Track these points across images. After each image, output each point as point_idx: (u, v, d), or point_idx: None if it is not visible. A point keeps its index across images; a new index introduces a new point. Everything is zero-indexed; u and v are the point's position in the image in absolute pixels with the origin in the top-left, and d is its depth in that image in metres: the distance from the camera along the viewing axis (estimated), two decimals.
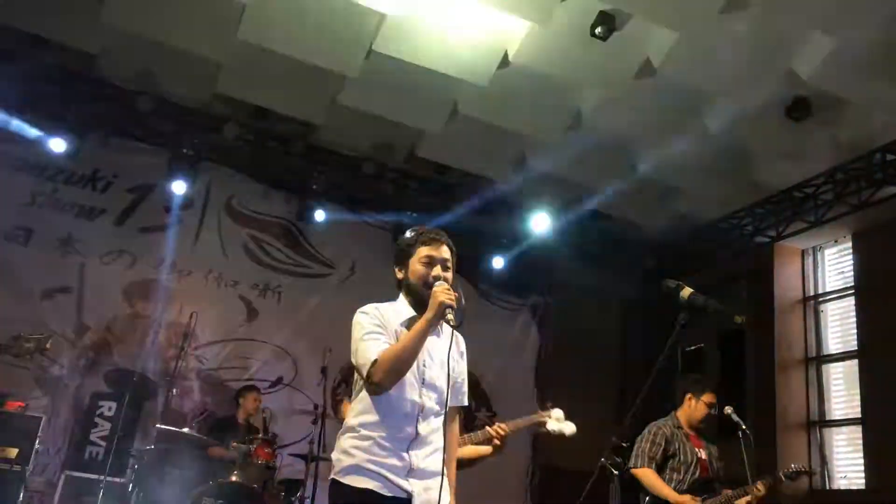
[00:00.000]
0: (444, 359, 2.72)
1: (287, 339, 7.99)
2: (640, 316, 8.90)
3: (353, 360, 2.71)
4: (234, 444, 6.00)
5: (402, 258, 2.86)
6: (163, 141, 7.37)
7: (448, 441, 2.73)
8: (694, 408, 4.68)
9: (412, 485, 2.60)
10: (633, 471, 4.64)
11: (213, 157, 7.72)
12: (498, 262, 8.42)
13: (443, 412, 2.68)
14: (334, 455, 2.70)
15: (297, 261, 8.35)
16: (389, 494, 2.57)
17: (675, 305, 2.40)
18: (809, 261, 7.72)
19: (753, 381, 7.42)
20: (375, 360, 2.58)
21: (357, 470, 2.60)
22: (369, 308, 2.80)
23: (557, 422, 4.10)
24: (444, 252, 2.81)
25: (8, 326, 3.43)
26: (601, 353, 8.84)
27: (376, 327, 2.71)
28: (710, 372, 7.91)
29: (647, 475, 4.53)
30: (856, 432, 6.88)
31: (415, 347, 2.60)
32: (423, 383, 2.69)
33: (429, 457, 2.66)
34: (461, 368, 2.85)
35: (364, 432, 2.63)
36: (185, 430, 6.33)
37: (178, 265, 7.78)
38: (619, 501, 2.35)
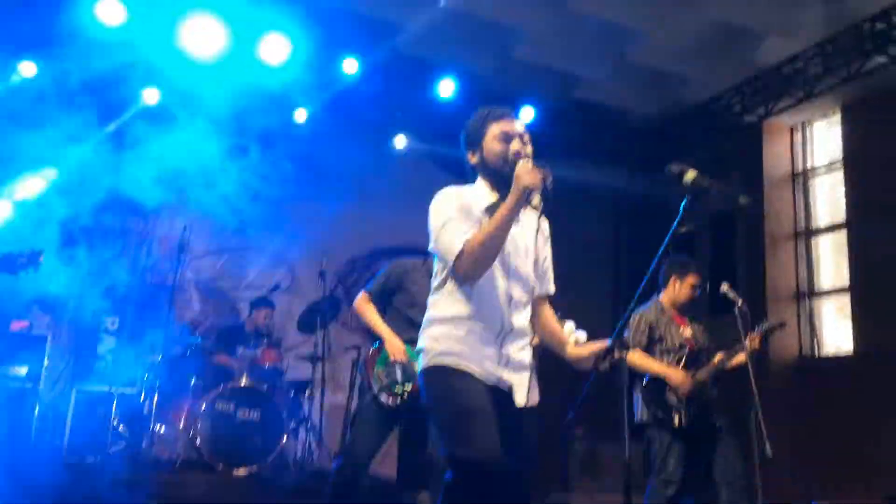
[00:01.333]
0: (529, 245, 2.60)
1: (282, 246, 8.01)
2: (631, 207, 8.94)
3: (433, 248, 2.58)
4: (242, 349, 6.14)
5: (474, 140, 2.64)
6: None
7: (549, 330, 2.68)
8: (678, 290, 4.65)
9: (510, 376, 2.50)
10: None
11: None
12: None
13: (531, 302, 2.60)
14: (423, 344, 2.59)
15: (287, 167, 8.26)
16: (488, 384, 2.47)
17: (669, 196, 2.36)
18: (798, 137, 7.73)
19: (744, 259, 7.57)
20: (461, 251, 2.43)
21: (453, 355, 2.48)
22: (450, 191, 2.61)
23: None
24: (519, 126, 2.60)
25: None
26: (593, 249, 8.91)
27: (458, 212, 2.53)
28: (702, 255, 8.04)
29: (635, 356, 4.48)
30: (844, 300, 7.09)
31: (500, 235, 2.41)
32: (508, 272, 2.54)
33: (522, 350, 2.56)
34: (547, 253, 2.73)
35: (455, 324, 2.51)
36: (192, 339, 6.46)
37: (163, 176, 7.69)
38: (627, 381, 2.41)
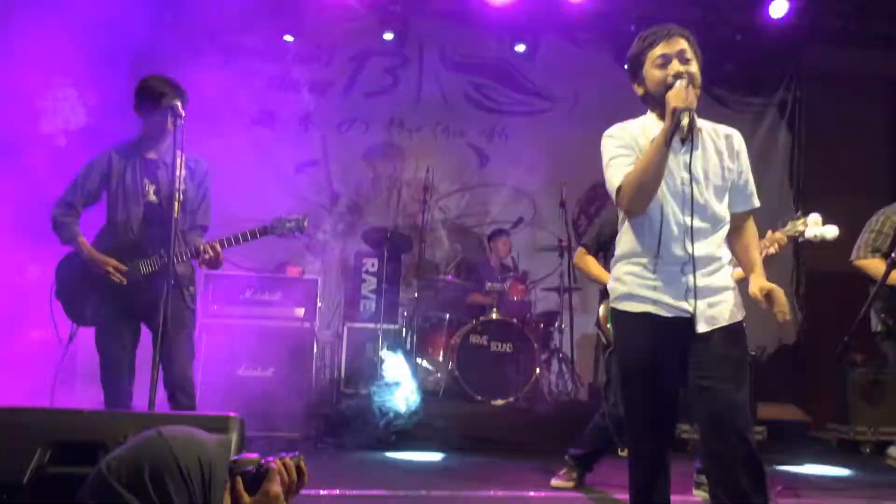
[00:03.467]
0: (709, 169, 2.48)
1: (521, 179, 8.05)
2: None
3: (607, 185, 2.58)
4: (490, 284, 6.29)
5: (636, 70, 2.57)
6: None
7: (740, 252, 2.59)
8: None
9: (692, 304, 2.44)
10: (855, 262, 4.24)
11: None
12: (732, 61, 7.65)
13: (721, 225, 2.51)
14: (610, 284, 2.66)
15: (519, 99, 8.24)
16: (669, 315, 2.46)
17: None
18: None
19: None
20: (620, 186, 2.44)
21: (630, 297, 2.52)
22: (614, 129, 2.61)
23: (816, 226, 3.72)
24: (679, 43, 2.48)
25: (273, 202, 3.77)
26: (867, 144, 7.91)
27: (620, 149, 2.52)
28: None
29: (871, 265, 4.13)
30: None
31: (655, 165, 2.36)
32: (683, 201, 2.45)
33: (713, 274, 2.48)
34: (741, 168, 2.56)
35: (635, 259, 2.53)
36: (443, 276, 6.76)
37: (406, 123, 8.03)
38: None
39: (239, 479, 1.48)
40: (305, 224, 3.69)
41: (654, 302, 2.47)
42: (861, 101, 7.96)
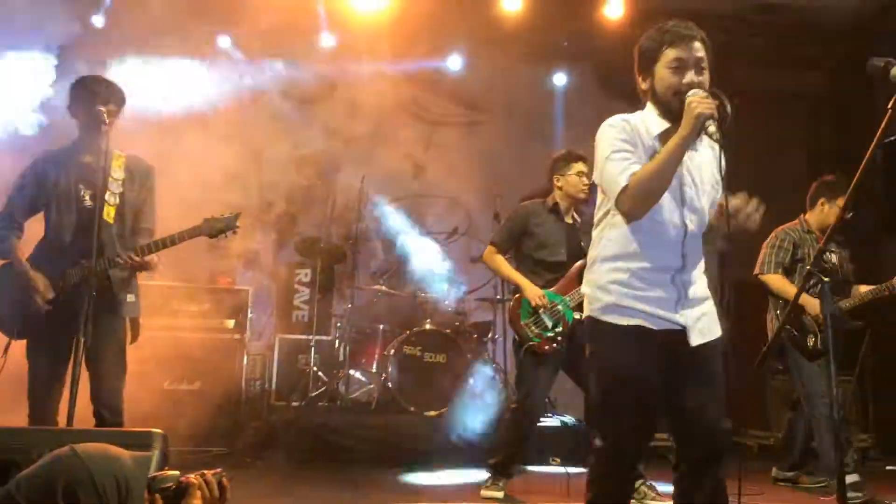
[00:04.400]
0: (705, 177, 2.44)
1: (456, 189, 8.08)
2: (830, 114, 8.13)
3: (596, 180, 2.46)
4: (423, 294, 6.30)
5: (646, 64, 2.43)
6: None
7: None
8: (826, 213, 4.48)
9: (684, 316, 2.35)
10: (761, 277, 4.51)
11: None
12: None
13: (703, 236, 2.45)
14: (587, 290, 2.47)
15: (454, 110, 8.29)
16: (658, 329, 2.34)
17: (875, 97, 2.06)
18: None
19: None
20: (626, 186, 2.29)
21: (616, 308, 2.36)
22: (616, 120, 2.44)
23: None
24: (697, 50, 2.36)
25: (201, 212, 3.66)
26: (788, 159, 8.22)
27: (624, 143, 2.37)
28: None
29: (775, 281, 4.43)
30: None
31: (669, 170, 2.28)
32: (683, 203, 2.38)
33: (698, 282, 2.42)
34: (719, 181, 2.48)
35: (621, 264, 2.37)
36: (377, 287, 6.73)
37: (340, 132, 7.98)
38: (830, 307, 2.19)
39: (158, 496, 1.43)
40: (237, 223, 3.58)
41: (644, 314, 2.34)
42: (780, 118, 8.28)
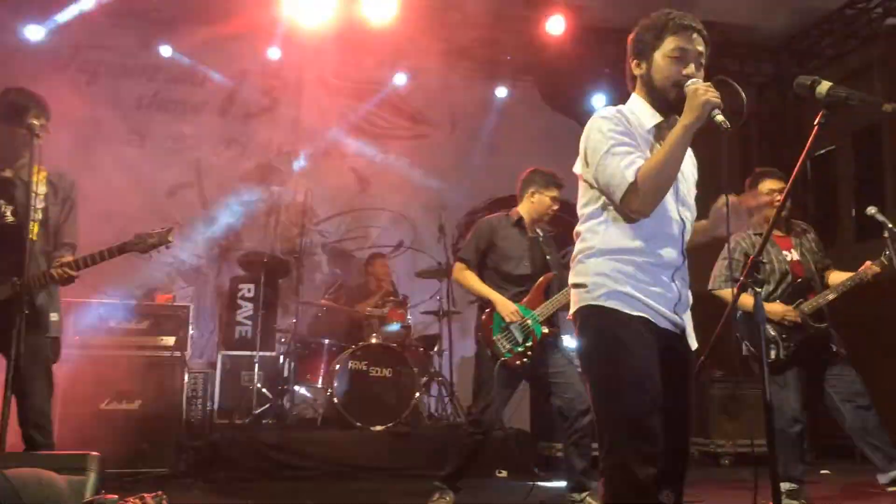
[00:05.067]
0: (687, 171, 2.34)
1: (401, 203, 8.09)
2: (762, 129, 8.41)
3: (592, 177, 2.27)
4: (369, 309, 6.27)
5: (644, 50, 2.30)
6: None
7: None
8: (760, 201, 4.24)
9: (682, 318, 2.25)
10: (713, 292, 4.35)
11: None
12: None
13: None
14: (585, 279, 2.24)
15: (399, 124, 8.31)
16: (661, 327, 2.20)
17: (803, 114, 2.14)
18: None
19: (893, 178, 6.93)
20: (633, 182, 2.12)
21: (623, 296, 2.17)
22: (610, 112, 2.28)
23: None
24: (699, 43, 2.25)
25: (140, 225, 3.59)
26: (719, 172, 8.44)
27: (623, 136, 2.21)
28: (844, 175, 7.44)
29: (728, 295, 4.21)
30: None
31: (677, 162, 2.15)
32: (678, 198, 2.28)
33: (686, 283, 2.30)
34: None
35: (626, 256, 2.20)
36: (322, 301, 6.67)
37: (284, 145, 7.93)
38: (764, 315, 2.22)
39: None
40: (170, 238, 3.50)
41: (650, 309, 2.19)
42: (713, 132, 8.50)
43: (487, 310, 4.20)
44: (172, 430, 5.13)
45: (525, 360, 4.10)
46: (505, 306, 4.12)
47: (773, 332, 4.12)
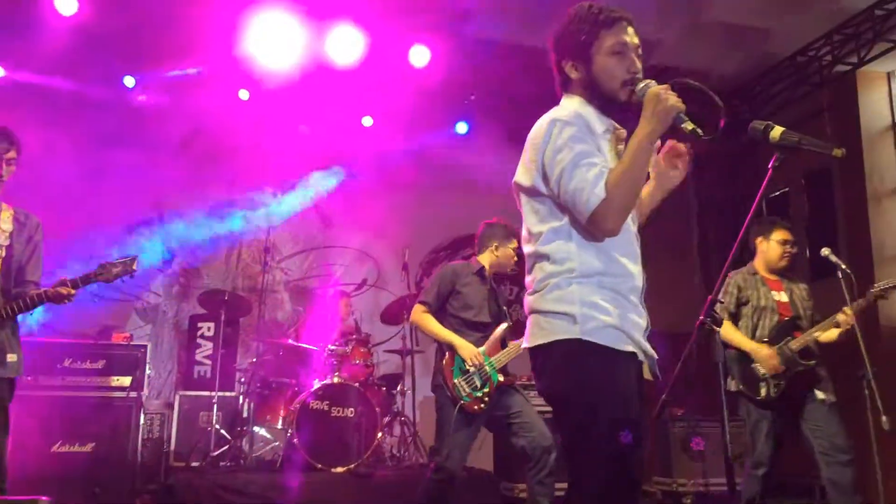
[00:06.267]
0: None
1: (365, 241, 8.08)
2: (716, 170, 8.62)
3: (549, 187, 2.05)
4: (331, 347, 6.20)
5: (578, 50, 2.10)
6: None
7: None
8: (767, 250, 4.42)
9: (648, 348, 2.10)
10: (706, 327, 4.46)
11: None
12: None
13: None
14: (571, 308, 2.01)
15: (363, 162, 8.32)
16: (639, 359, 2.08)
17: (757, 157, 2.19)
18: None
19: (844, 219, 7.13)
20: (606, 198, 1.92)
21: (615, 331, 2.00)
22: (568, 115, 2.05)
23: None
24: (633, 35, 2.10)
25: (100, 262, 3.56)
26: (675, 213, 8.61)
27: (588, 146, 2.00)
28: (798, 218, 7.63)
29: (724, 327, 4.11)
30: None
31: (643, 174, 1.98)
32: (633, 217, 2.14)
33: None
34: None
35: (606, 280, 2.02)
36: (283, 340, 6.58)
37: (248, 184, 7.89)
38: (723, 356, 2.23)
39: None
40: (135, 266, 3.51)
41: (635, 342, 2.05)
42: None
43: (448, 353, 4.21)
44: (127, 474, 5.01)
45: (482, 405, 4.12)
46: (468, 350, 4.15)
47: (762, 371, 4.16)
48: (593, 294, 2.00)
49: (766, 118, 2.23)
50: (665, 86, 2.01)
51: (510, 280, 6.76)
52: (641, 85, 2.05)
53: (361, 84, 7.27)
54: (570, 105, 2.14)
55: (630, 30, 2.11)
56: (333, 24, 6.70)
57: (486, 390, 4.13)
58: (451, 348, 4.18)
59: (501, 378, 4.18)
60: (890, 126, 7.15)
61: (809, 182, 7.51)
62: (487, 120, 8.27)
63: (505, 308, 4.43)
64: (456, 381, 4.12)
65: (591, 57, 2.09)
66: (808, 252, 7.37)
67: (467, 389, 4.10)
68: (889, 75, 7.22)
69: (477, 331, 4.28)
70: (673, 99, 1.96)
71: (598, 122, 2.11)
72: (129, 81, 7.22)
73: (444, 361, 4.22)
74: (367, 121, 8.14)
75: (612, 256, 2.04)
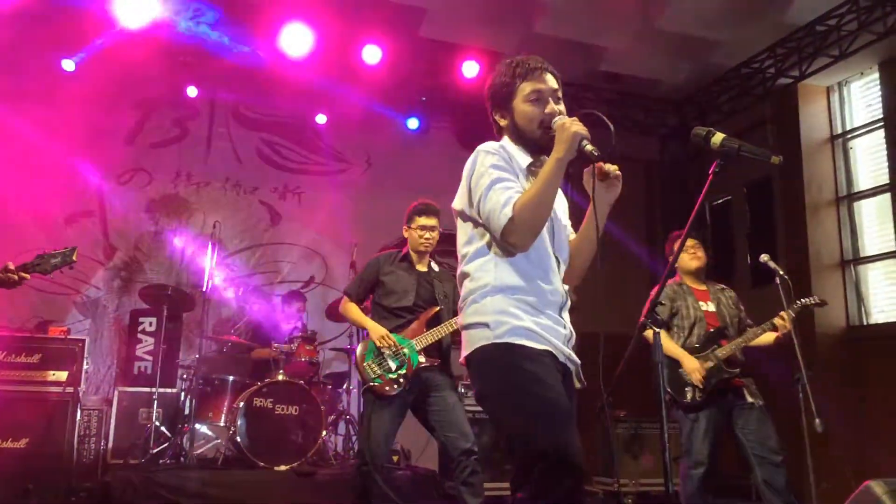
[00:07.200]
0: (559, 207, 2.40)
1: (313, 238, 8.02)
2: (664, 176, 8.79)
3: (472, 210, 2.29)
4: (276, 344, 6.13)
5: (502, 101, 2.37)
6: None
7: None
8: (683, 261, 4.50)
9: (572, 355, 2.27)
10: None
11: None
12: None
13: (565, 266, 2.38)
14: (486, 318, 2.22)
15: (313, 159, 8.27)
16: (561, 361, 2.24)
17: (703, 164, 2.25)
18: (835, 97, 7.45)
19: (784, 227, 7.35)
20: (512, 217, 2.15)
21: (527, 332, 2.18)
22: (493, 146, 2.32)
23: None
24: (551, 81, 2.34)
25: (36, 253, 3.45)
26: (625, 222, 8.76)
27: (505, 172, 2.25)
28: (739, 225, 7.84)
29: (650, 336, 4.38)
30: (891, 266, 6.83)
31: (550, 196, 2.17)
32: (553, 235, 2.33)
33: (569, 320, 2.32)
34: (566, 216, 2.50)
35: (521, 295, 2.22)
36: (228, 336, 6.48)
37: (193, 177, 7.76)
38: (663, 356, 2.29)
39: None
40: (74, 258, 3.42)
41: (551, 344, 2.22)
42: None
43: (365, 338, 4.25)
44: (62, 471, 4.88)
45: (396, 387, 4.10)
46: (376, 331, 4.20)
47: (688, 377, 4.24)
48: (506, 305, 2.21)
49: (712, 126, 2.30)
50: (573, 118, 2.21)
51: None
52: (555, 119, 2.25)
53: (311, 78, 7.20)
54: (500, 142, 2.40)
55: (548, 76, 2.35)
56: (285, 20, 6.64)
57: (402, 372, 4.12)
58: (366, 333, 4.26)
59: (423, 359, 4.18)
60: (828, 139, 7.39)
61: (751, 191, 7.72)
62: (438, 120, 8.29)
63: (439, 291, 4.37)
64: (366, 363, 4.14)
65: (512, 106, 2.35)
66: (749, 259, 7.58)
67: (378, 371, 4.12)
68: (828, 90, 7.47)
69: (398, 317, 4.29)
70: (577, 126, 2.16)
71: (523, 158, 2.35)
72: (67, 65, 6.95)
73: (360, 344, 4.29)
74: (321, 118, 8.07)
75: (528, 274, 2.24)
